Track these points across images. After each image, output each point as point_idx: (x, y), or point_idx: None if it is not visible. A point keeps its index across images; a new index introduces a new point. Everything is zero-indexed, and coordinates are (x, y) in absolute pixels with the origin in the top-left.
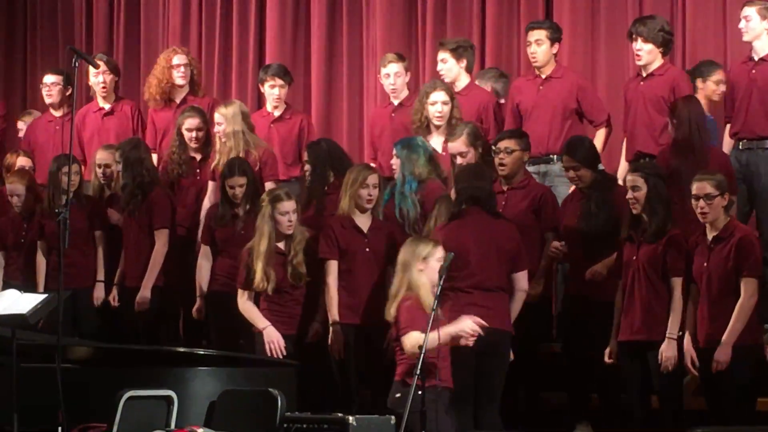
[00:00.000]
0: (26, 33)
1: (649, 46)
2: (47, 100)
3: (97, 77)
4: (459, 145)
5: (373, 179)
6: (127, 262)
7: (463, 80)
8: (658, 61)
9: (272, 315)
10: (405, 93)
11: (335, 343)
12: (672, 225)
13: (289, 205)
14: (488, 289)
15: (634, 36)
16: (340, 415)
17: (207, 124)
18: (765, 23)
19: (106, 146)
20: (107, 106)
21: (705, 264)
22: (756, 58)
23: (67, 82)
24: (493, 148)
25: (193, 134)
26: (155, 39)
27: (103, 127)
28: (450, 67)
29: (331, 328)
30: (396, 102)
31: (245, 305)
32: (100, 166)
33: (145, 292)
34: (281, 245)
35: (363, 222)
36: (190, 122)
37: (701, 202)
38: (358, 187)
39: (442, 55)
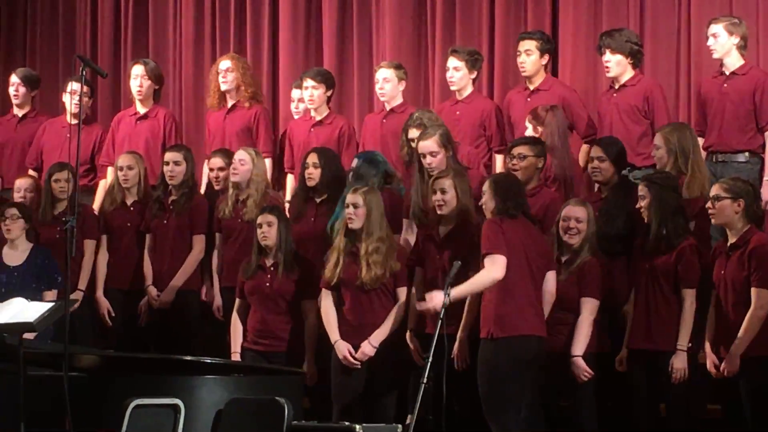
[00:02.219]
0: (26, 38)
1: (618, 57)
2: (73, 109)
3: (136, 80)
4: (431, 144)
5: (438, 184)
6: (164, 265)
7: (468, 89)
8: (629, 73)
9: (346, 325)
10: (398, 101)
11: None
12: (684, 236)
13: (350, 198)
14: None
15: (602, 49)
16: (346, 423)
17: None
18: (733, 38)
19: (130, 152)
20: (143, 111)
21: (722, 272)
22: (727, 73)
23: (91, 93)
24: (508, 153)
25: (215, 173)
26: (165, 48)
27: (135, 131)
28: (462, 76)
29: (408, 335)
30: (388, 108)
31: (325, 308)
32: (121, 168)
33: (171, 293)
34: (359, 244)
35: (441, 229)
36: (212, 161)
37: (709, 203)
38: (431, 194)
39: (457, 62)
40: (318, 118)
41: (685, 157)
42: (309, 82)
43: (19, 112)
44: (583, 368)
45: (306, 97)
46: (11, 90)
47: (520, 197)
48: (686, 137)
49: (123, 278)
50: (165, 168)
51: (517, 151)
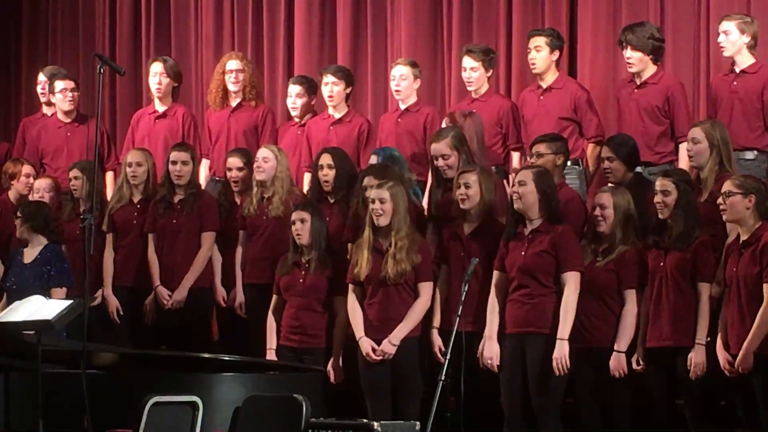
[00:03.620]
0: (48, 36)
1: (639, 54)
2: (67, 107)
3: (155, 77)
4: (442, 146)
5: (463, 178)
6: (176, 264)
7: (484, 87)
8: (650, 69)
9: (369, 321)
10: (413, 99)
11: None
12: (700, 231)
13: (376, 193)
14: None
15: (624, 44)
16: (364, 420)
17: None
18: (744, 37)
19: (139, 148)
20: (161, 109)
21: (735, 269)
22: (737, 71)
23: (77, 87)
24: (530, 151)
25: (233, 173)
26: (187, 46)
27: (153, 130)
28: (479, 76)
29: (433, 333)
30: (403, 107)
31: (350, 304)
32: (130, 164)
33: (183, 292)
34: (381, 240)
35: (466, 227)
36: (231, 161)
37: (720, 199)
38: (455, 188)
39: (473, 63)
40: (337, 116)
41: (728, 152)
42: (329, 78)
43: (48, 111)
44: (623, 365)
45: (326, 93)
46: (39, 89)
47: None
48: (726, 133)
49: (128, 275)
50: (172, 167)
51: (535, 149)
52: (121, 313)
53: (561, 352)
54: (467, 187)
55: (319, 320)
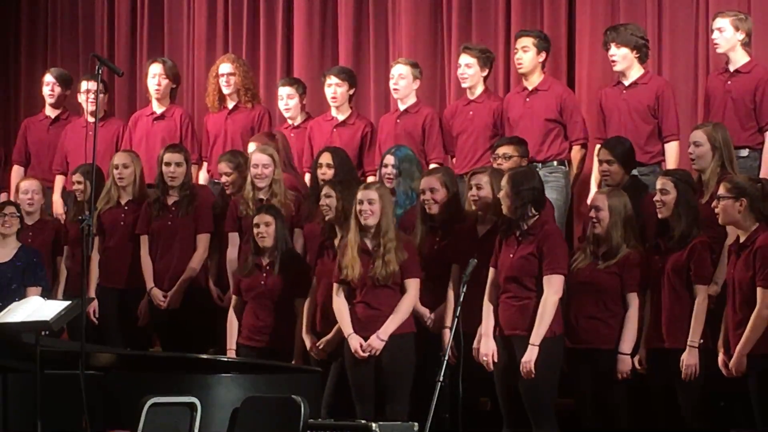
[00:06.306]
0: (47, 39)
1: (624, 51)
2: (89, 108)
3: (154, 79)
4: (432, 180)
5: (475, 179)
6: (171, 266)
7: (479, 87)
8: (637, 69)
9: (357, 321)
10: (412, 100)
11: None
12: (698, 232)
13: (364, 194)
14: None
15: (608, 44)
16: (363, 421)
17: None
18: (738, 34)
19: (126, 150)
20: (159, 111)
21: (732, 271)
22: (731, 69)
23: (105, 89)
24: (492, 154)
25: (222, 179)
26: (179, 48)
27: (152, 131)
28: (474, 74)
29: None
30: (402, 107)
31: (337, 303)
32: (117, 167)
33: (179, 292)
34: (368, 241)
35: (480, 228)
36: (221, 167)
37: (714, 202)
38: (466, 190)
39: (469, 59)
40: (340, 117)
41: (729, 155)
42: (332, 80)
43: (51, 114)
44: (627, 367)
45: (329, 95)
46: (46, 90)
47: (540, 194)
48: (728, 135)
49: (118, 277)
50: (165, 169)
51: (501, 151)
52: (97, 315)
53: (529, 356)
54: (479, 188)
55: (280, 321)
